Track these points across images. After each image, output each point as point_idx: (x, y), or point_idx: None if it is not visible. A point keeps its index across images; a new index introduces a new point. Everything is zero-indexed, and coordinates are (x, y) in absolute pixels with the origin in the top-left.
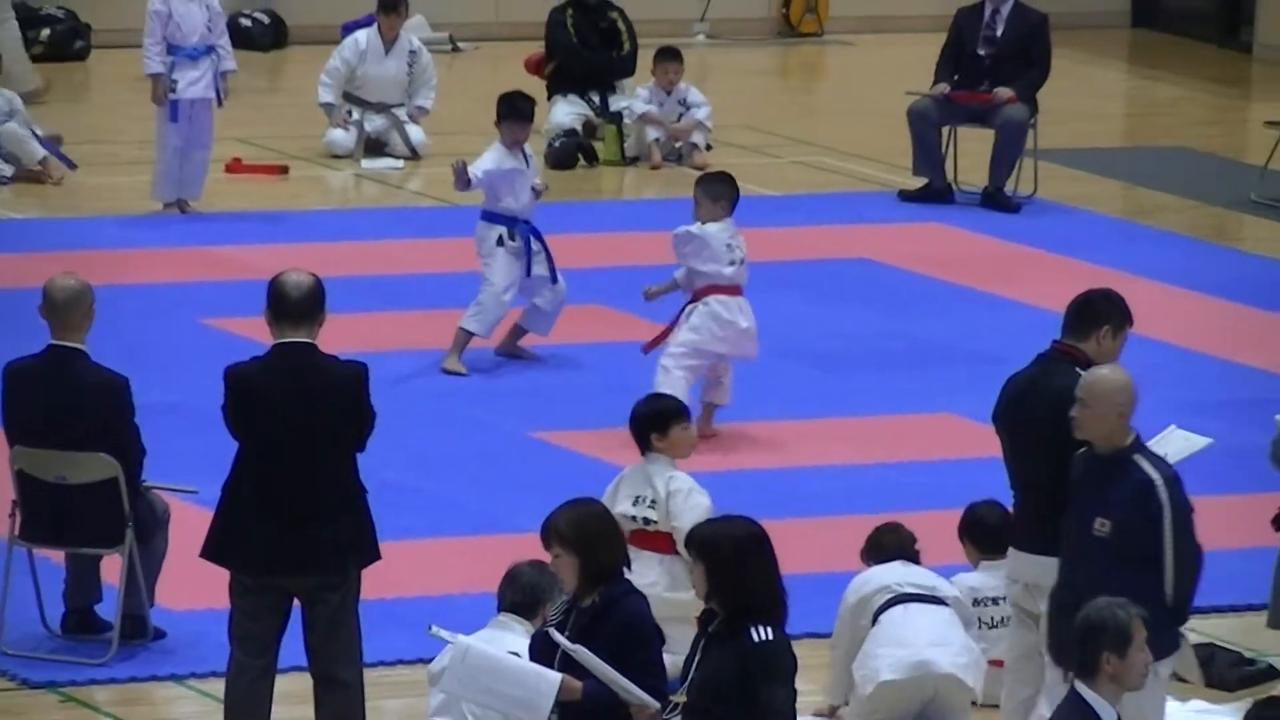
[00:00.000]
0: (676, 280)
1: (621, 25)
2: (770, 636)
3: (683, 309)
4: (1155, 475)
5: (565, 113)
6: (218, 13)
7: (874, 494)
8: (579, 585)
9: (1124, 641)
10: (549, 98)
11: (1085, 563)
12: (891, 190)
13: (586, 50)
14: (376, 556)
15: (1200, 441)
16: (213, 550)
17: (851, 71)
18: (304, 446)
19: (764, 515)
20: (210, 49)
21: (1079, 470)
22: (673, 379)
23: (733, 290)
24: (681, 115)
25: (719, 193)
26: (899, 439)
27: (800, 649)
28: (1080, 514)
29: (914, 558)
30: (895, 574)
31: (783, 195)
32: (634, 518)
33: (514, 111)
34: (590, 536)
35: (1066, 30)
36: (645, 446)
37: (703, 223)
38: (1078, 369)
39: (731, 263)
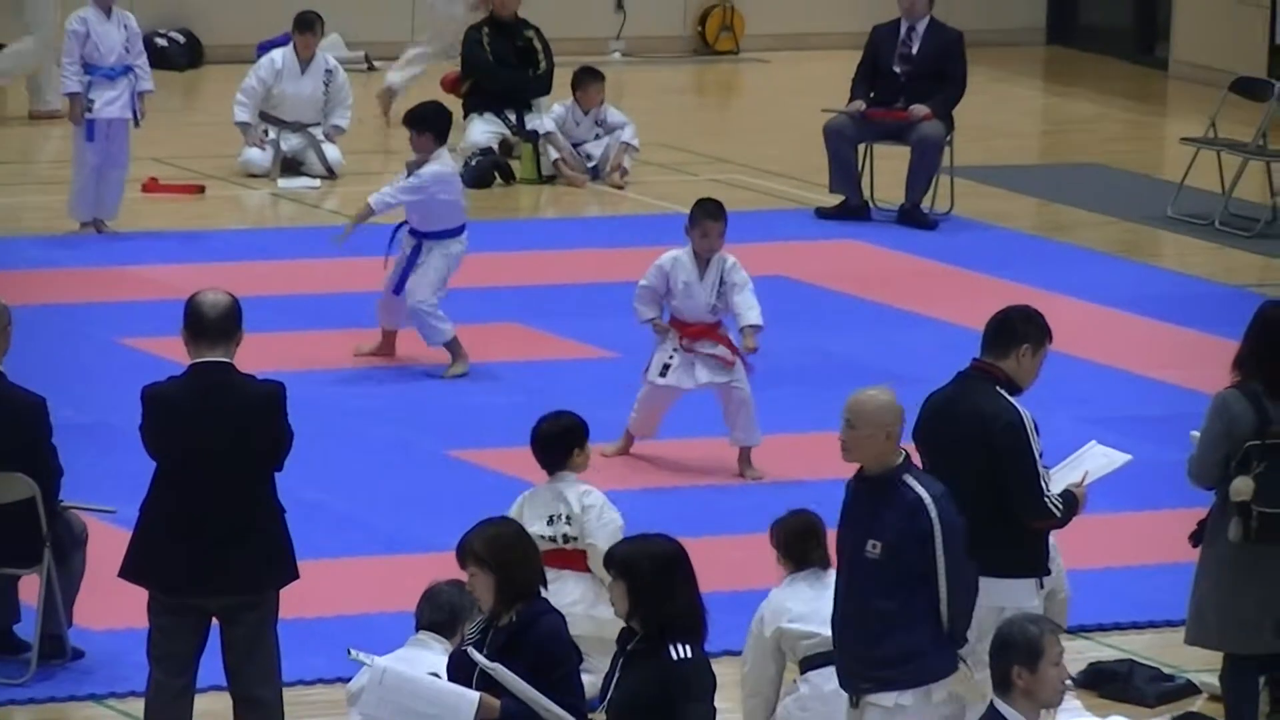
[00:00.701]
0: None
1: (538, 44)
2: (690, 654)
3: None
4: (924, 494)
5: (482, 131)
6: (135, 33)
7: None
8: (496, 604)
9: (1034, 655)
10: (465, 116)
11: (859, 586)
12: (808, 207)
13: (503, 69)
14: (295, 576)
15: (1120, 458)
16: (131, 570)
17: (767, 89)
18: (221, 466)
19: (680, 532)
20: (127, 69)
21: (850, 494)
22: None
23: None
24: (598, 135)
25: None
26: (816, 456)
27: (719, 666)
28: (852, 537)
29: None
30: (819, 609)
31: None
32: (551, 537)
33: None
34: (506, 556)
35: (982, 47)
36: (557, 465)
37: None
38: (998, 388)
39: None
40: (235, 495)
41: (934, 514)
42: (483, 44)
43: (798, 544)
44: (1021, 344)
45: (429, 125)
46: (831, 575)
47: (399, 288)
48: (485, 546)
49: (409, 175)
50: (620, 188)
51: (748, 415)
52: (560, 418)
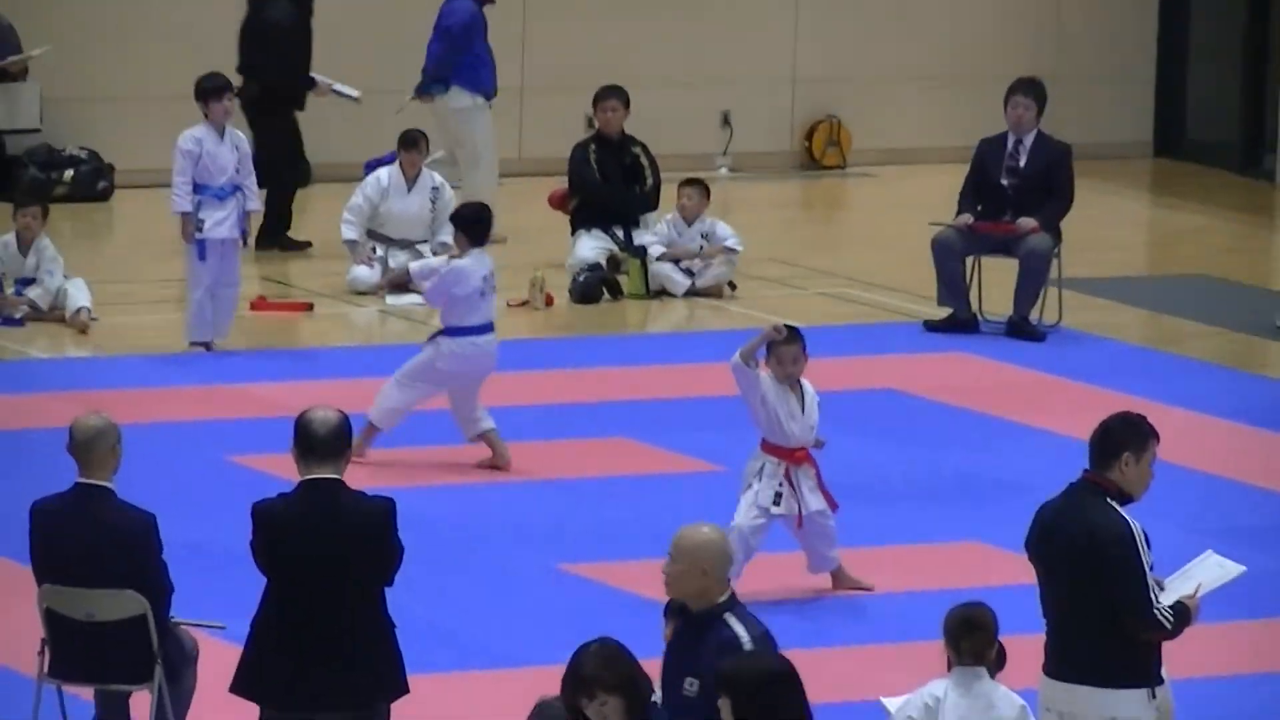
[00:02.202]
0: None
1: (644, 161)
2: None
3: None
4: (743, 634)
5: (590, 247)
6: (246, 153)
7: (902, 622)
8: None
9: None
10: (573, 232)
11: None
12: (917, 320)
13: (609, 186)
14: (405, 690)
15: (1234, 569)
16: (241, 685)
17: (874, 203)
18: (331, 582)
19: (793, 645)
20: (236, 188)
21: (676, 629)
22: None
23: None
24: (702, 248)
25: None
26: (926, 567)
27: None
28: (674, 672)
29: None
30: (971, 711)
31: (808, 326)
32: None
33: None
34: (629, 671)
35: (1089, 160)
36: None
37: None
38: (1108, 499)
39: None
40: (345, 611)
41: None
42: (589, 162)
43: (951, 635)
44: (1123, 453)
45: (459, 225)
46: (984, 679)
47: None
48: (608, 671)
49: None
50: (718, 295)
51: (831, 539)
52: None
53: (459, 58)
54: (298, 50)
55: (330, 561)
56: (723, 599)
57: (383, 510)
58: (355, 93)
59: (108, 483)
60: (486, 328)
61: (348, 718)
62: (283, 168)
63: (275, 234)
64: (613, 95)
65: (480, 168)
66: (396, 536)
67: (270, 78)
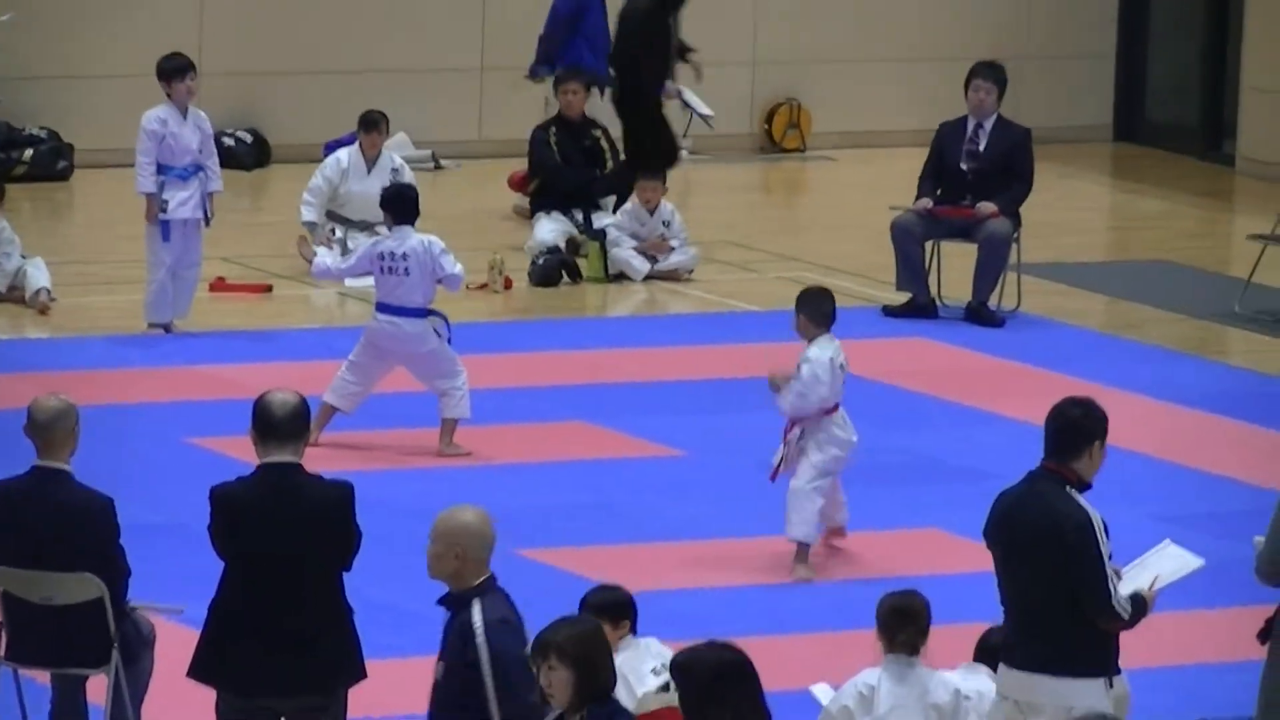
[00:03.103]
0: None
1: (605, 144)
2: None
3: (789, 429)
4: (477, 620)
5: (548, 230)
6: (208, 134)
7: (859, 610)
8: (571, 701)
9: None
10: (531, 214)
11: (431, 703)
12: (875, 305)
13: (569, 169)
14: (362, 676)
15: (1193, 562)
16: (199, 669)
17: (834, 186)
18: (290, 566)
19: (750, 633)
20: (199, 169)
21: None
22: (809, 503)
23: (834, 410)
24: (663, 235)
25: (803, 308)
26: (884, 554)
27: None
28: (440, 657)
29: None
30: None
31: (767, 311)
32: (664, 685)
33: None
34: (591, 654)
35: (1049, 144)
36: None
37: (808, 341)
38: (1068, 488)
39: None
40: (303, 595)
41: (481, 641)
42: (550, 144)
43: (885, 625)
44: (1092, 441)
45: (384, 205)
46: (917, 666)
47: None
48: (572, 644)
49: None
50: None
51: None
52: (615, 592)
53: (564, 40)
54: (662, 51)
55: (289, 545)
56: (477, 583)
57: (342, 494)
58: (708, 111)
59: (65, 465)
60: (382, 307)
61: (306, 703)
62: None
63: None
64: (574, 78)
65: None
66: (355, 521)
67: (635, 78)
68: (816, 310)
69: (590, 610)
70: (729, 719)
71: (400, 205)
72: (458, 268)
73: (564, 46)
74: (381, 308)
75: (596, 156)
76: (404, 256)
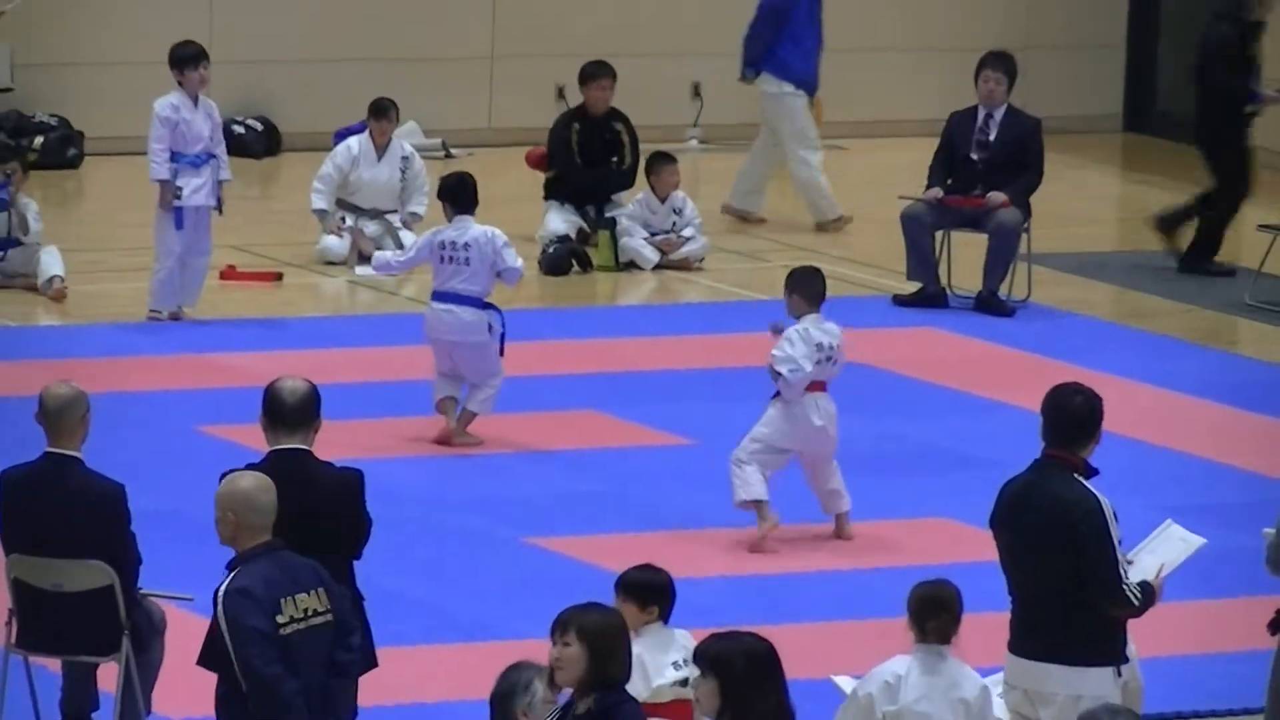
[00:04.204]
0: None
1: (625, 138)
2: None
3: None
4: (222, 587)
5: (559, 220)
6: (218, 122)
7: (869, 599)
8: (580, 685)
9: None
10: (545, 197)
11: None
12: (885, 295)
13: (586, 166)
14: (373, 665)
15: (1196, 542)
16: (209, 657)
17: (844, 176)
18: (299, 552)
19: (761, 621)
20: (211, 157)
21: None
22: (745, 473)
23: (812, 387)
24: (674, 224)
25: (794, 287)
26: (894, 544)
27: None
28: None
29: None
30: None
31: (776, 300)
32: (681, 680)
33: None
34: (610, 643)
35: (1060, 134)
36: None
37: (796, 318)
38: (1075, 475)
39: (817, 361)
40: None
41: (220, 610)
42: (570, 140)
43: (916, 614)
44: (1099, 429)
45: (443, 195)
46: (948, 658)
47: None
48: (591, 625)
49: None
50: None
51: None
52: (653, 574)
53: (770, 40)
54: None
55: (298, 531)
56: (249, 549)
57: (351, 481)
58: None
59: (76, 452)
60: (439, 295)
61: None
62: (1230, 185)
63: (1201, 257)
64: (605, 73)
65: (789, 158)
66: (364, 509)
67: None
68: (810, 289)
69: (622, 588)
70: (769, 706)
71: (461, 195)
72: (519, 262)
73: (769, 47)
74: (439, 296)
75: (616, 149)
76: (465, 246)
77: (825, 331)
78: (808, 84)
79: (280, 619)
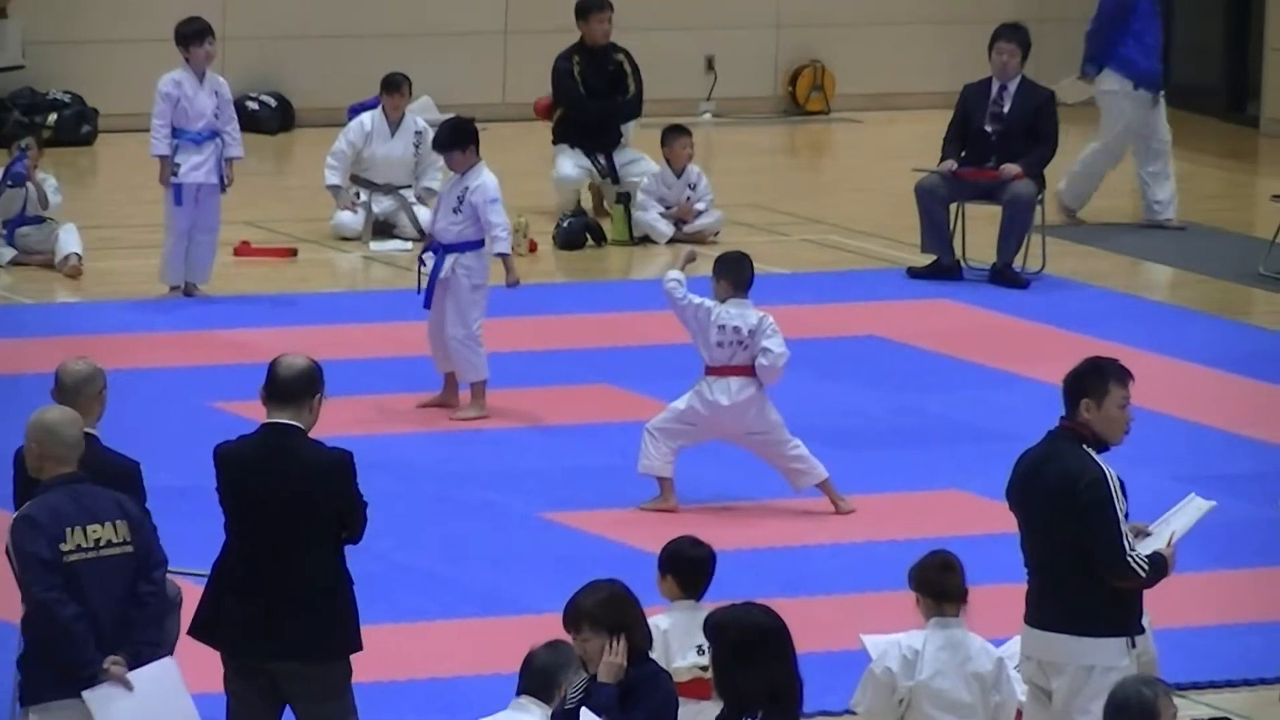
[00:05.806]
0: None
1: (628, 67)
2: None
3: None
4: (11, 517)
5: (571, 165)
6: (226, 99)
7: (884, 571)
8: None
9: (1150, 718)
10: (554, 142)
11: None
12: (900, 267)
13: (592, 99)
14: (357, 648)
15: (1204, 505)
16: (196, 627)
17: (858, 149)
18: (282, 528)
19: (774, 594)
20: (214, 134)
21: None
22: (653, 445)
23: (719, 371)
24: (689, 197)
25: (722, 272)
26: (909, 516)
27: None
28: None
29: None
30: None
31: (791, 273)
32: (704, 666)
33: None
34: (622, 617)
35: (1073, 106)
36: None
37: (721, 301)
38: (1085, 446)
39: (719, 344)
40: (296, 559)
41: (9, 535)
42: (573, 74)
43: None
44: (1081, 400)
45: (459, 140)
46: (962, 630)
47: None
48: (600, 609)
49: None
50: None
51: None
52: (694, 549)
53: (1113, 37)
54: None
55: (285, 505)
56: (49, 478)
57: (337, 460)
58: None
59: (92, 429)
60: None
61: (296, 669)
62: None
63: None
64: (605, 5)
65: (1100, 151)
66: (355, 489)
67: None
68: (738, 274)
69: (663, 561)
70: (760, 682)
71: (457, 138)
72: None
73: (1112, 44)
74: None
75: (619, 81)
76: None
77: (743, 317)
78: (1151, 81)
79: (65, 546)
